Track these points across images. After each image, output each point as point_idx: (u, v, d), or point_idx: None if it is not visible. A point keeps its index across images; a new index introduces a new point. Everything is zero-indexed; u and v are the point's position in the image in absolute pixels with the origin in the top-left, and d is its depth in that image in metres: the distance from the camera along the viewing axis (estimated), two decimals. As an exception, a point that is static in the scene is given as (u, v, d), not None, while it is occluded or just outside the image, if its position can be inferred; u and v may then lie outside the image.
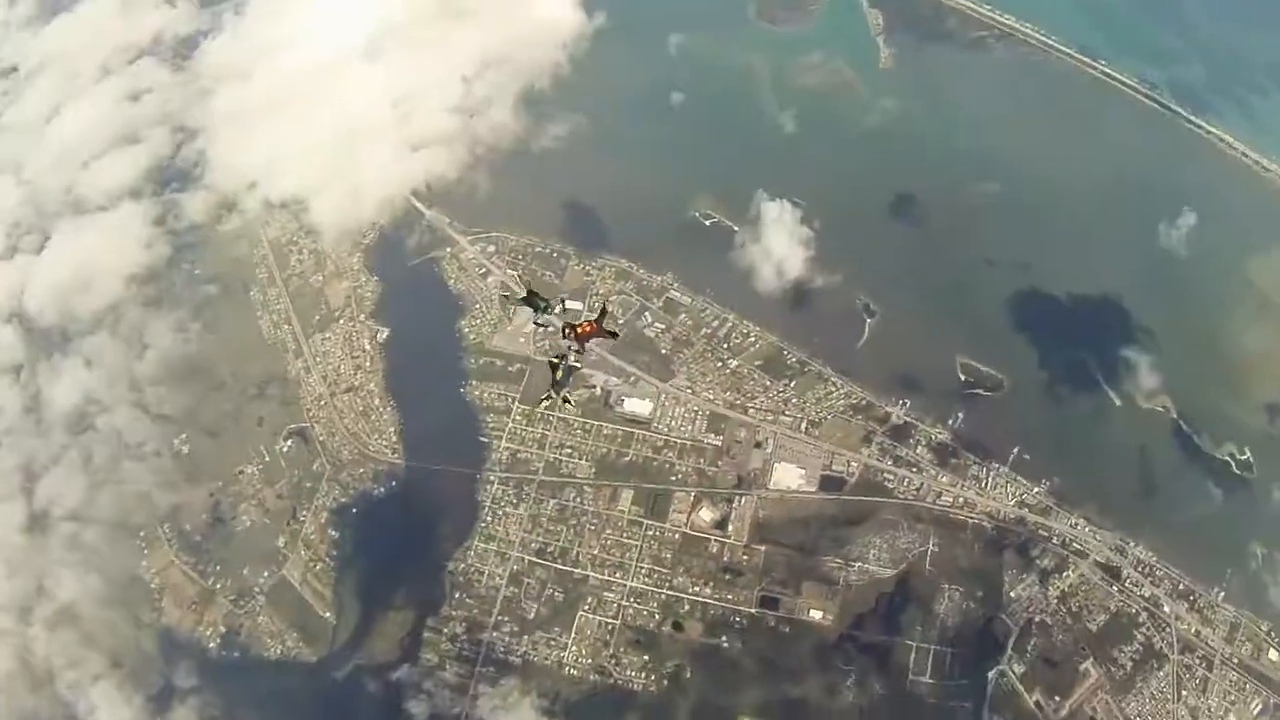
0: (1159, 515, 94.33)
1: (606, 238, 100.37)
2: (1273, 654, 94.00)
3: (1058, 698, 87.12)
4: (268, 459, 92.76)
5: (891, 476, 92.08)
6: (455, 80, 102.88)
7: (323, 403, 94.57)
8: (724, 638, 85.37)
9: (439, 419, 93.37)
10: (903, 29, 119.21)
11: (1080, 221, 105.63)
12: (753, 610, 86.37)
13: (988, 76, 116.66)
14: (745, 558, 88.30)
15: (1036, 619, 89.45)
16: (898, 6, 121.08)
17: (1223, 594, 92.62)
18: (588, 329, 37.28)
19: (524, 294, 39.20)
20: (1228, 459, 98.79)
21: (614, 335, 42.67)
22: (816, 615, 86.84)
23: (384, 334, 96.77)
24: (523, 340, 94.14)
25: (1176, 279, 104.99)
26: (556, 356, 38.42)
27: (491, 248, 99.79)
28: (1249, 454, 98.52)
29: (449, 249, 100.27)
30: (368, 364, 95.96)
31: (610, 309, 39.53)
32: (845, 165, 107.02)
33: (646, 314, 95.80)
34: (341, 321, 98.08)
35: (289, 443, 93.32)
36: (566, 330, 37.18)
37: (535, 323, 38.69)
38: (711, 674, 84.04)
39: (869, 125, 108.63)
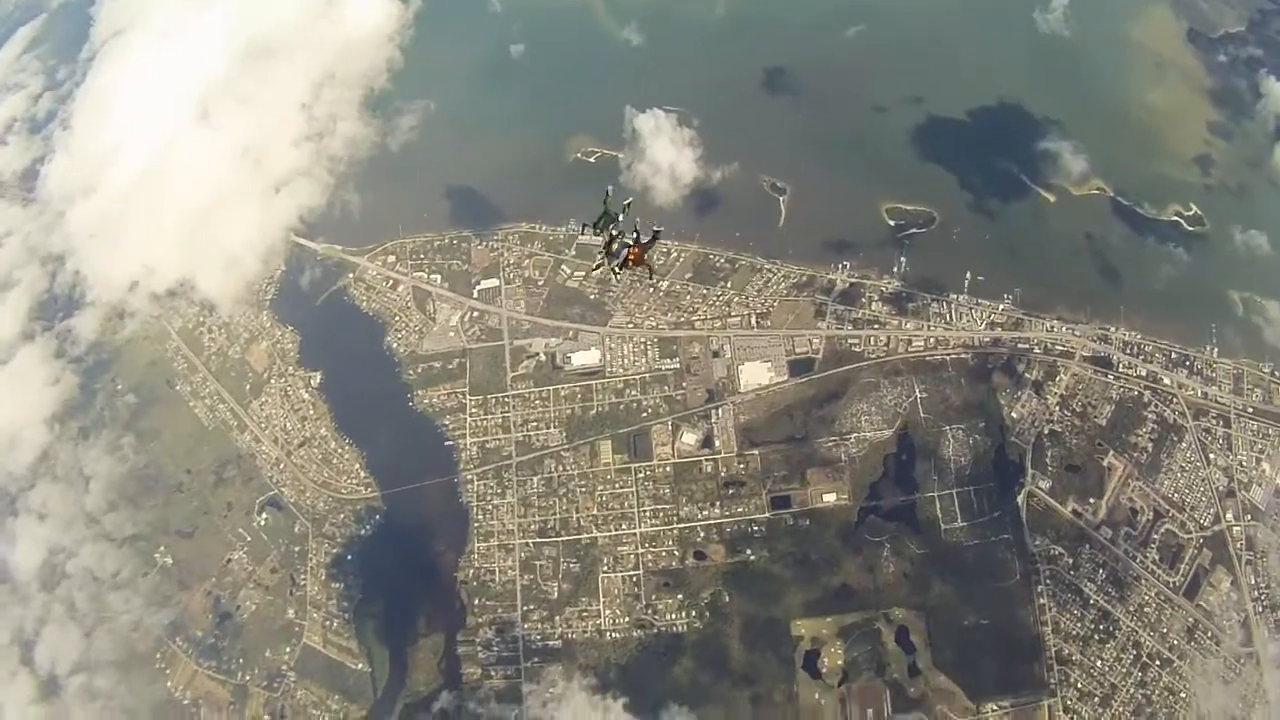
0: (1129, 294, 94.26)
1: (499, 208, 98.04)
2: None
3: (1092, 500, 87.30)
4: (249, 539, 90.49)
5: (856, 340, 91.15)
6: (294, 110, 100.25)
7: (282, 466, 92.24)
8: (748, 551, 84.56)
9: (399, 439, 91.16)
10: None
11: (953, 37, 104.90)
12: (767, 515, 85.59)
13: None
14: (742, 467, 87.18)
15: (1045, 431, 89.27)
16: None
17: (1216, 350, 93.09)
18: (635, 254, 37.43)
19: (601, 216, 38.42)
20: (1176, 219, 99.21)
21: (650, 267, 40.88)
22: (830, 499, 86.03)
23: (317, 378, 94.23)
24: (453, 334, 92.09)
25: (1068, 62, 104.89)
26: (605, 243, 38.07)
27: (391, 257, 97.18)
28: (1195, 208, 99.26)
29: (350, 274, 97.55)
30: (312, 412, 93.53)
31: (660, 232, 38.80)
32: (706, 57, 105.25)
33: (563, 267, 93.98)
34: (272, 381, 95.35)
35: (264, 515, 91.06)
36: (609, 251, 37.44)
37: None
38: (749, 591, 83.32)
39: (718, 15, 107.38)
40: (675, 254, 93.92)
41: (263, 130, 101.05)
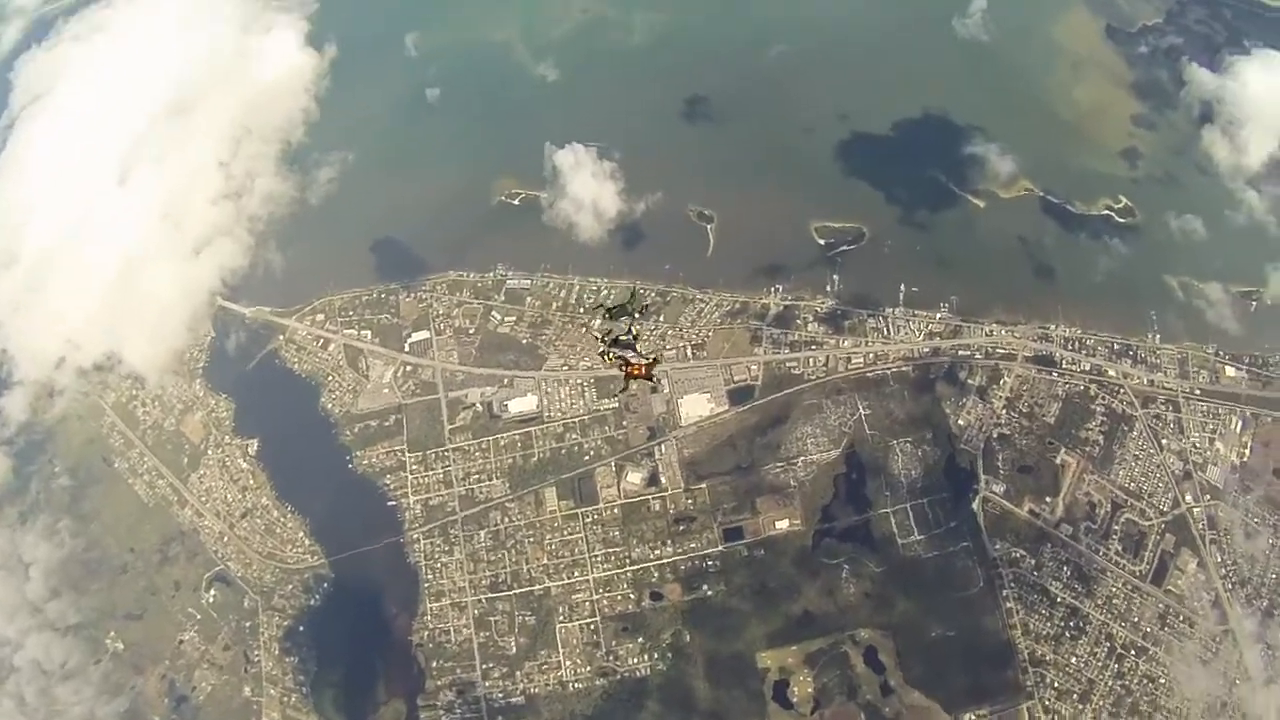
0: (1066, 290, 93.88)
1: (425, 258, 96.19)
2: (1229, 370, 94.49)
3: (1048, 499, 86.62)
4: (199, 617, 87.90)
5: (795, 362, 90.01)
6: (212, 169, 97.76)
7: (226, 539, 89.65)
8: (705, 587, 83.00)
9: (341, 503, 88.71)
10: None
11: (874, 50, 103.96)
12: (720, 548, 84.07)
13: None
14: (690, 502, 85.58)
15: (994, 435, 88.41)
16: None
17: (1158, 336, 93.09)
18: (638, 371, 37.57)
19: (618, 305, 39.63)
20: (1107, 213, 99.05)
21: (653, 380, 40.56)
22: (783, 525, 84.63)
23: (254, 446, 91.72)
24: (386, 391, 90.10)
25: (989, 66, 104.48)
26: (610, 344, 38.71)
27: (320, 315, 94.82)
28: (1125, 200, 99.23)
29: (280, 336, 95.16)
30: (251, 481, 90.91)
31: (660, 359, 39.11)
32: (625, 89, 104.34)
33: (493, 313, 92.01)
34: (210, 452, 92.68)
35: (212, 592, 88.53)
36: (613, 354, 37.87)
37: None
38: (709, 627, 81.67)
39: (635, 44, 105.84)
40: (605, 290, 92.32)
41: (181, 190, 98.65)
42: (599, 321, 41.85)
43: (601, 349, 39.05)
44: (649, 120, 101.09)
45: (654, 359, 38.09)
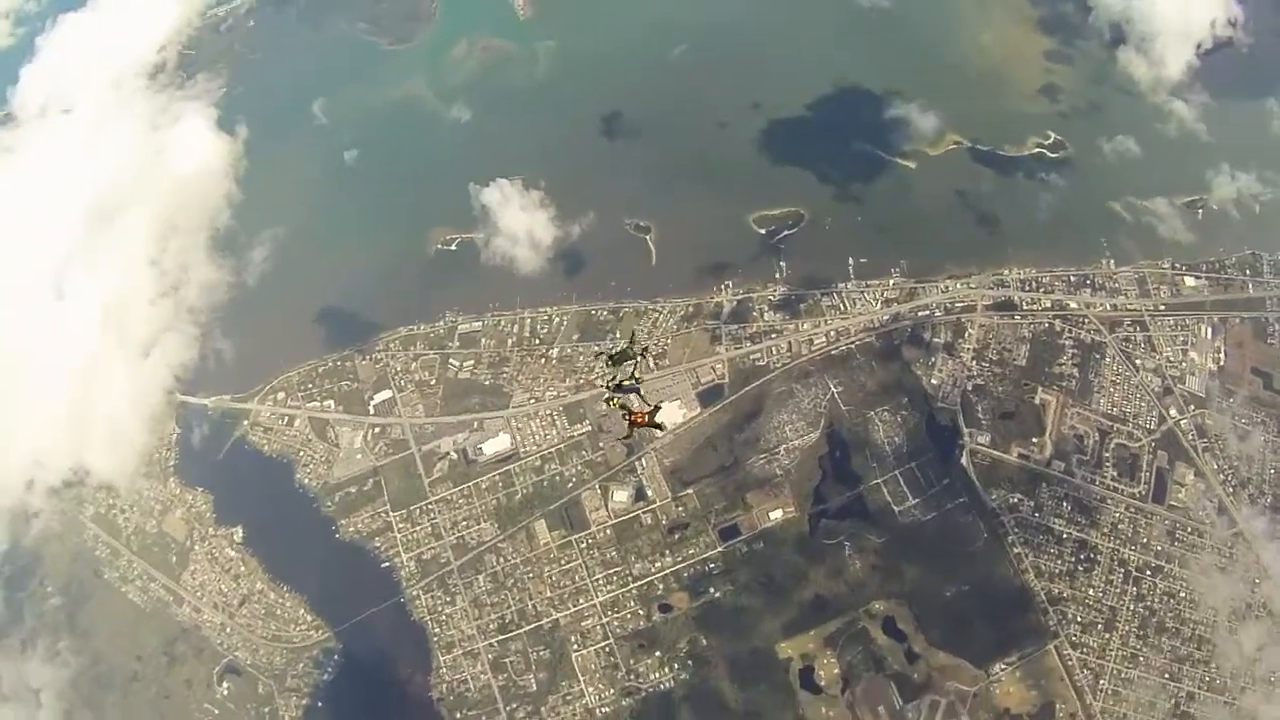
0: (1013, 234, 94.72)
1: (373, 319, 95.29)
2: (1189, 280, 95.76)
3: (1034, 439, 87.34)
4: (217, 712, 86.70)
5: (758, 354, 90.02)
6: (145, 269, 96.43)
7: (229, 629, 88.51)
8: (712, 589, 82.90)
9: (335, 574, 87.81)
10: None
11: (777, 34, 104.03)
12: (719, 549, 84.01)
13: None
14: (680, 509, 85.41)
15: (969, 388, 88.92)
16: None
17: (1112, 261, 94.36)
18: (641, 420, 38.15)
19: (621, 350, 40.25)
20: (1038, 151, 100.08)
21: (660, 427, 41.87)
22: (777, 515, 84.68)
23: (239, 533, 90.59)
24: (359, 456, 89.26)
25: (895, 28, 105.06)
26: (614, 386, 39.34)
27: (281, 394, 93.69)
28: (1054, 135, 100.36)
29: (245, 421, 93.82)
30: (243, 568, 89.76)
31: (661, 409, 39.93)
32: (539, 118, 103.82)
33: (451, 361, 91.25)
34: (196, 547, 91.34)
35: (225, 685, 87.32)
36: (618, 401, 38.42)
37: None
38: (724, 629, 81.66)
39: (541, 73, 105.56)
40: (557, 318, 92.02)
41: (118, 295, 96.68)
42: (605, 368, 42.08)
43: (608, 396, 39.57)
44: (568, 144, 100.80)
45: (656, 407, 38.70)
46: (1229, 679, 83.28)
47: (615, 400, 39.06)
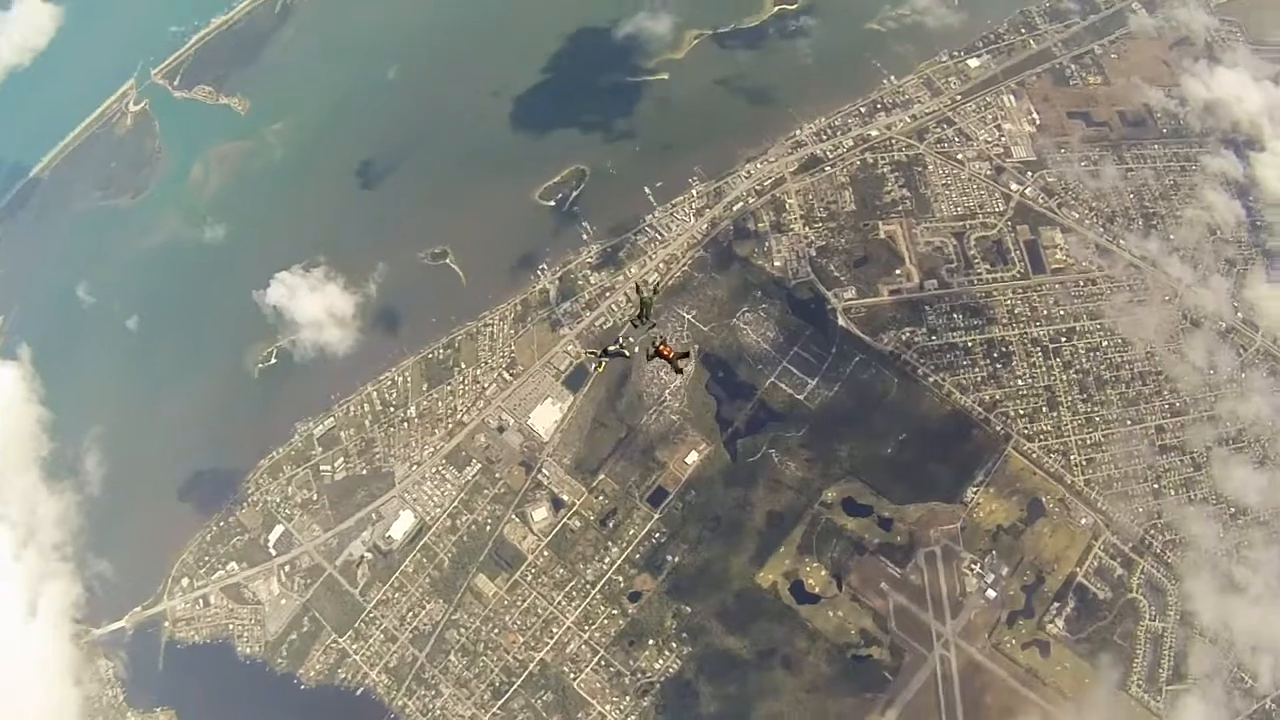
0: (789, 94, 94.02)
1: (230, 467, 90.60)
2: (972, 62, 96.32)
3: (897, 271, 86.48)
4: None
5: (602, 318, 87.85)
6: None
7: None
8: (669, 557, 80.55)
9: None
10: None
11: (476, 17, 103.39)
12: (657, 516, 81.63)
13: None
14: (601, 498, 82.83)
15: (813, 254, 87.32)
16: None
17: (892, 77, 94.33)
18: (668, 352, 40.17)
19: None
20: (779, 9, 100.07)
21: (679, 371, 48.99)
22: (694, 458, 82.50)
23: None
24: (284, 601, 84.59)
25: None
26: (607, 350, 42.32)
27: (185, 580, 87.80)
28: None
29: (165, 622, 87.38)
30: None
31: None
32: (291, 199, 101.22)
33: (322, 467, 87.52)
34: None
35: None
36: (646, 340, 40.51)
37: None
38: (698, 589, 79.54)
39: (280, 157, 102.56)
40: (399, 379, 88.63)
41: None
42: (626, 329, 43.79)
43: (595, 360, 43.63)
44: (331, 210, 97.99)
45: (685, 353, 43.74)
46: (1194, 397, 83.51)
47: (602, 365, 42.98)
